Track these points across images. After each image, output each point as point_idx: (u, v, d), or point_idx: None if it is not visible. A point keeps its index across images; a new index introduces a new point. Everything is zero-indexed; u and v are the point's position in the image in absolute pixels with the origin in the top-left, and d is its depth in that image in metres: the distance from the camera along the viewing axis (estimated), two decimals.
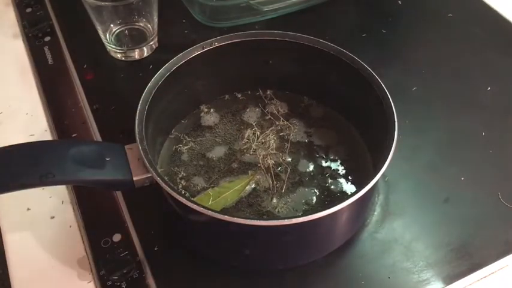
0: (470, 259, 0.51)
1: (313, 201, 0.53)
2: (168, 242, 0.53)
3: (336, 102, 0.61)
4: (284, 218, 0.43)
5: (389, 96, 0.51)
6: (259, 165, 0.55)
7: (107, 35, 0.70)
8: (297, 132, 0.59)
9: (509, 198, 0.56)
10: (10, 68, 0.72)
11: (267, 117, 0.61)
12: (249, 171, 0.55)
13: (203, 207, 0.43)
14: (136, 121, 0.49)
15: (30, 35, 0.75)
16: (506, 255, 0.52)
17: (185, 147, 0.58)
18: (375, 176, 0.45)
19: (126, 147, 0.48)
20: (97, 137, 0.61)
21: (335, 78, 0.57)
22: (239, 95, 0.63)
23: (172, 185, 0.47)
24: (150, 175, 0.46)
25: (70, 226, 0.55)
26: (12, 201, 0.56)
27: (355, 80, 0.54)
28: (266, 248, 0.50)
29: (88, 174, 0.45)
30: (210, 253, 0.52)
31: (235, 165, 0.56)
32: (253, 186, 0.54)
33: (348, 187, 0.55)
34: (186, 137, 0.59)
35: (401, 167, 0.57)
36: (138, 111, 0.50)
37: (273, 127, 0.59)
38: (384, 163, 0.45)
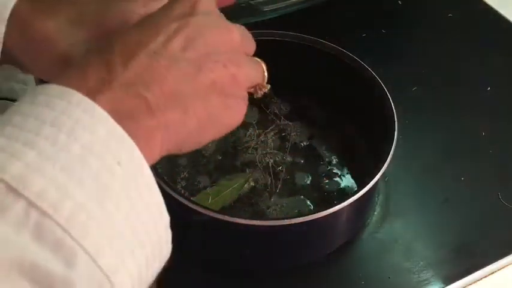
0: (470, 259, 0.51)
1: (313, 201, 0.53)
2: None
3: (336, 102, 0.61)
4: (284, 218, 0.43)
5: (389, 96, 0.51)
6: (259, 164, 0.55)
7: None
8: (297, 131, 0.59)
9: (509, 198, 0.56)
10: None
11: (268, 117, 0.61)
12: (247, 170, 0.55)
13: (202, 207, 0.43)
14: None
15: None
16: (506, 255, 0.52)
17: None
18: (375, 176, 0.45)
19: None
20: None
21: (335, 78, 0.57)
22: None
23: (172, 184, 0.46)
24: None
25: None
26: None
27: (355, 80, 0.54)
28: (266, 248, 0.50)
29: None
30: (210, 253, 0.51)
31: (235, 164, 0.56)
32: (252, 184, 0.54)
33: (348, 187, 0.55)
34: None
35: (401, 167, 0.57)
36: None
37: (273, 126, 0.59)
38: (384, 163, 0.45)
